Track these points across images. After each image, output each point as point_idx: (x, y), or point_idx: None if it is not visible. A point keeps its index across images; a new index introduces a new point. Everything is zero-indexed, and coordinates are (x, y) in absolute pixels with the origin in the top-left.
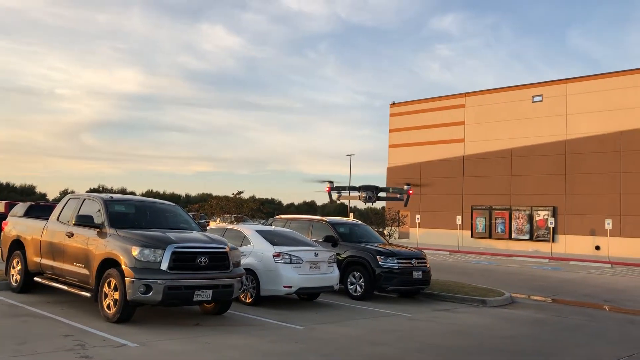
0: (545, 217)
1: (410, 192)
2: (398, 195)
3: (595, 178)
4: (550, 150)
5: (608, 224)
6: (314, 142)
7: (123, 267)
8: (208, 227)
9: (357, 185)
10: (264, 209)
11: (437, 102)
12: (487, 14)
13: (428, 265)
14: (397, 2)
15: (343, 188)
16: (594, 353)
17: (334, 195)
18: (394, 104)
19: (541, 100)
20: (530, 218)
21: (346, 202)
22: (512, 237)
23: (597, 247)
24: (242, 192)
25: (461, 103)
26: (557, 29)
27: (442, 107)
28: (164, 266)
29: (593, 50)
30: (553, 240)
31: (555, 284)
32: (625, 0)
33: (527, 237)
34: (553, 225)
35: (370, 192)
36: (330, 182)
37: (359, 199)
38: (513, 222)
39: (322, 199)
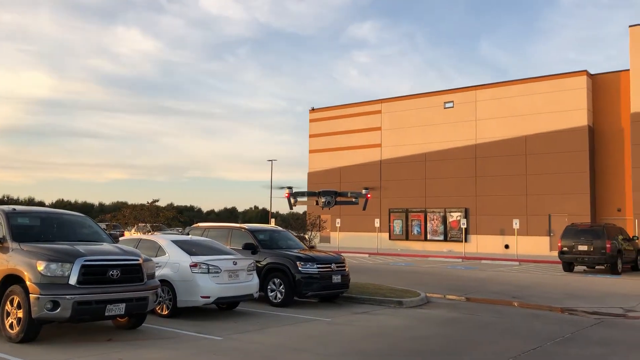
0: (458, 218)
1: (369, 196)
2: (354, 199)
3: (503, 180)
4: (461, 154)
5: (516, 224)
6: (235, 148)
7: (27, 283)
8: (121, 238)
9: (316, 190)
10: (181, 217)
11: (355, 108)
12: (402, 22)
13: (347, 269)
14: (315, 8)
15: (302, 194)
16: (503, 348)
17: (292, 201)
18: (313, 109)
19: (452, 107)
20: (444, 219)
21: (304, 207)
22: (428, 239)
23: (506, 246)
24: (157, 200)
25: (378, 109)
26: (468, 39)
27: (360, 113)
28: (73, 281)
29: (501, 59)
30: (466, 241)
31: (468, 283)
32: (530, 13)
33: (442, 237)
34: (465, 226)
35: (330, 196)
36: (290, 187)
37: (317, 205)
38: (428, 224)
39: (243, 206)
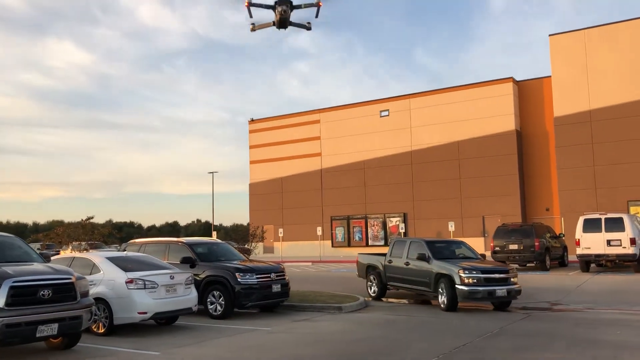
0: (397, 223)
1: (320, 4)
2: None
3: (439, 185)
4: (398, 160)
5: (451, 226)
6: (175, 161)
7: None
8: (54, 257)
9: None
10: (118, 234)
11: (294, 118)
12: (341, 31)
13: (287, 278)
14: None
15: (260, 5)
16: (435, 345)
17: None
18: (252, 120)
19: (388, 115)
20: (384, 225)
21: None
22: (369, 244)
23: None
24: (92, 217)
25: (316, 119)
26: (403, 46)
27: (299, 123)
28: (1, 303)
29: (434, 66)
30: None
31: None
32: (462, 22)
33: (383, 243)
34: (404, 230)
35: (285, 5)
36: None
37: (274, 24)
38: (369, 230)
39: (185, 220)
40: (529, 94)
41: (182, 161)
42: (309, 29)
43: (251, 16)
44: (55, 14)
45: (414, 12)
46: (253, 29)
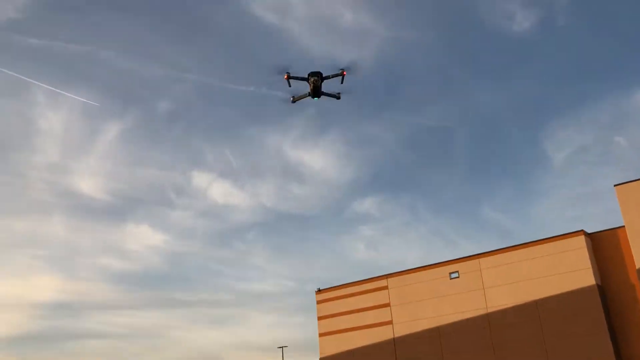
0: None
1: (344, 73)
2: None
3: (521, 348)
4: (474, 324)
5: None
6: (245, 335)
7: None
8: None
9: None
10: None
11: (361, 285)
12: (403, 195)
13: None
14: (318, 189)
15: (296, 77)
16: None
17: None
18: (319, 290)
19: (458, 277)
20: None
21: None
22: None
23: None
24: None
25: (384, 285)
26: (468, 205)
27: (367, 290)
28: None
29: (502, 221)
30: None
31: None
32: (523, 176)
33: None
34: None
35: (316, 76)
36: (288, 72)
37: (311, 85)
38: None
39: None
40: (604, 246)
41: (252, 334)
42: (338, 98)
43: (290, 85)
44: (137, 200)
45: (473, 172)
46: (293, 101)
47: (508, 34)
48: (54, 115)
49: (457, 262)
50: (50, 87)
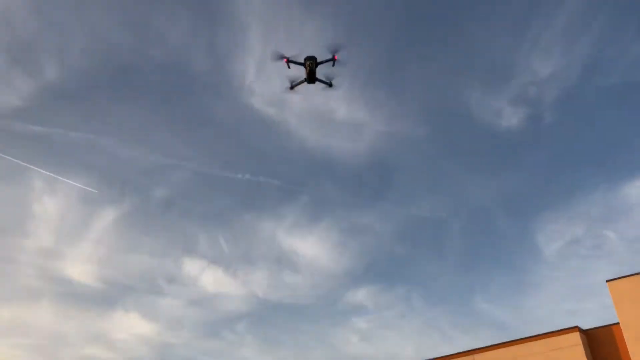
0: None
1: (336, 57)
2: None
3: None
4: None
5: None
6: None
7: None
8: None
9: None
10: None
11: None
12: (396, 286)
13: None
14: (311, 278)
15: (294, 61)
16: None
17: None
18: None
19: None
20: None
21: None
22: None
23: None
24: None
25: None
26: (463, 296)
27: None
28: None
29: (497, 314)
30: None
31: None
32: (517, 268)
33: None
34: None
35: (312, 60)
36: (287, 57)
37: (307, 68)
38: None
39: None
40: (600, 343)
41: None
42: (331, 85)
43: (289, 67)
44: (127, 288)
45: (468, 261)
46: (291, 87)
47: (497, 129)
48: (49, 201)
49: (452, 358)
50: (48, 173)
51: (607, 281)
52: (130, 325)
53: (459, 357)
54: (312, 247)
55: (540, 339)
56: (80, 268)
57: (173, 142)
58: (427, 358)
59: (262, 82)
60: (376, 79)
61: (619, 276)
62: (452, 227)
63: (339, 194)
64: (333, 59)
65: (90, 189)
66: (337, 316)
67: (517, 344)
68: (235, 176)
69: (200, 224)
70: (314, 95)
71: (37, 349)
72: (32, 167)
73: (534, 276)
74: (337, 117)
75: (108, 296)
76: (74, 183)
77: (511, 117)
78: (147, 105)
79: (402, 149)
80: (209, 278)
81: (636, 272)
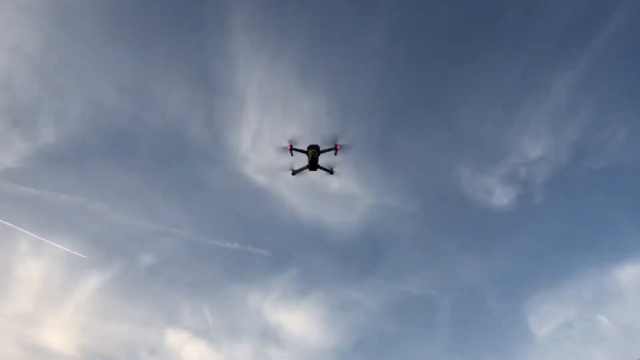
0: None
1: (338, 146)
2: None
3: None
4: None
5: None
6: None
7: None
8: None
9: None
10: None
11: None
12: None
13: None
14: (298, 355)
15: (297, 149)
16: None
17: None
18: None
19: None
20: None
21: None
22: None
23: None
24: None
25: None
26: None
27: None
28: None
29: None
30: None
31: None
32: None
33: None
34: None
35: (314, 149)
36: (291, 144)
37: (309, 156)
38: None
39: None
40: None
41: None
42: (332, 172)
43: (292, 155)
44: (105, 359)
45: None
46: (293, 173)
47: (488, 208)
48: (34, 264)
49: None
50: (34, 235)
51: None
52: None
53: None
54: (299, 321)
55: None
56: (59, 336)
57: (164, 208)
58: None
59: (257, 152)
60: (368, 153)
61: None
62: (442, 305)
63: (329, 267)
64: (335, 148)
65: (77, 254)
66: None
67: None
68: (224, 245)
69: (185, 292)
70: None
71: None
72: (18, 228)
73: (524, 358)
74: (329, 189)
75: None
76: (60, 247)
77: (502, 196)
78: (141, 170)
79: (393, 223)
80: (192, 351)
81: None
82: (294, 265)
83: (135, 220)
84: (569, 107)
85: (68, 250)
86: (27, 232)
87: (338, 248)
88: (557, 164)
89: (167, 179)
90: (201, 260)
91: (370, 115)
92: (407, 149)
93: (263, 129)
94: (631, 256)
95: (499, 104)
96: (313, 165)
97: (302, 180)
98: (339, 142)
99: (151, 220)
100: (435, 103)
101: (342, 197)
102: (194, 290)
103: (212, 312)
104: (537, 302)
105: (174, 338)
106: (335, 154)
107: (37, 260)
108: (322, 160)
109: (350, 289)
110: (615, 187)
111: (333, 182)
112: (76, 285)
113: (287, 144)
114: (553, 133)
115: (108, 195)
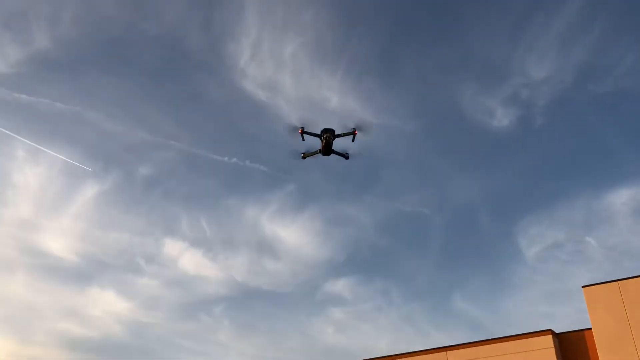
0: None
1: (356, 132)
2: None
3: None
4: None
5: None
6: None
7: None
8: None
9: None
10: None
11: None
12: (375, 279)
13: None
14: (292, 266)
15: (310, 133)
16: None
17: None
18: None
19: None
20: None
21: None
22: None
23: None
24: None
25: None
26: (441, 293)
27: None
28: None
29: (474, 313)
30: None
31: None
32: (496, 269)
33: None
34: None
35: (329, 133)
36: (302, 127)
37: (323, 141)
38: None
39: None
40: (572, 347)
41: None
42: (347, 158)
43: (303, 139)
44: (104, 265)
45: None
46: (304, 157)
47: (488, 129)
48: (31, 171)
49: (424, 354)
50: (32, 143)
51: (583, 287)
52: (106, 302)
53: (431, 353)
54: (294, 234)
55: (513, 340)
56: (58, 241)
57: (161, 119)
58: (400, 352)
59: (256, 64)
60: (370, 70)
61: (594, 282)
62: (435, 223)
63: (326, 184)
64: (353, 134)
65: (75, 163)
66: (315, 305)
67: (490, 343)
68: (222, 159)
69: (183, 204)
70: (308, 82)
71: (9, 319)
72: (15, 135)
73: (513, 277)
74: (329, 106)
75: (85, 272)
76: (57, 155)
77: (503, 118)
78: (137, 80)
79: (391, 142)
80: (189, 260)
81: (612, 279)
82: (291, 181)
83: (131, 131)
84: (578, 27)
85: (64, 158)
86: (23, 139)
87: (335, 165)
88: (561, 86)
89: (163, 89)
90: (199, 174)
91: (374, 29)
92: (409, 66)
93: (262, 40)
94: (627, 181)
95: (508, 21)
96: (327, 149)
97: (303, 96)
98: (357, 129)
99: (147, 131)
100: (441, 19)
101: (341, 114)
102: (192, 202)
103: (209, 224)
104: (529, 223)
105: (171, 247)
106: (353, 140)
107: (34, 168)
108: (337, 144)
109: (346, 205)
110: (618, 112)
111: (333, 99)
112: (74, 194)
113: (298, 128)
114: (559, 53)
115: (103, 105)
